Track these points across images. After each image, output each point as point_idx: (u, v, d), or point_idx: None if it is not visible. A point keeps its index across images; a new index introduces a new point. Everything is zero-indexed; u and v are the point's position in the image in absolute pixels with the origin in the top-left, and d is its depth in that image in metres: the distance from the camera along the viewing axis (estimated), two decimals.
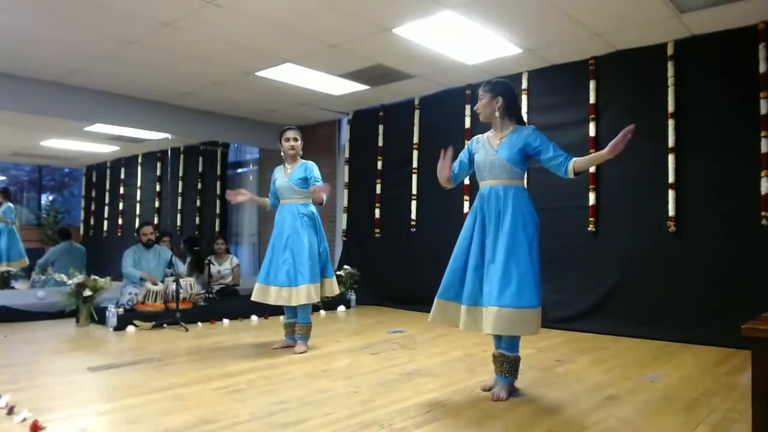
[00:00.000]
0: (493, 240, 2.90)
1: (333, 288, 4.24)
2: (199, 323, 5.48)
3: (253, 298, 4.13)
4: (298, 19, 4.38)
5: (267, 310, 5.47)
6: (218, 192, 8.75)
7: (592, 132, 5.12)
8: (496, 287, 2.79)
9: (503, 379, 2.98)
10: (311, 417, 2.62)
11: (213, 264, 7.05)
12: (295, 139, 4.20)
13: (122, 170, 10.39)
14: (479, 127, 5.89)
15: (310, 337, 4.24)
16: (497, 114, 3.01)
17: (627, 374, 3.50)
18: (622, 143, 2.66)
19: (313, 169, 4.19)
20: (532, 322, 2.81)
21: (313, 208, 4.22)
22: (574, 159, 2.88)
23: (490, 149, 3.02)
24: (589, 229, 5.13)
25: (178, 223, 9.14)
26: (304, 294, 3.97)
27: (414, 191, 6.59)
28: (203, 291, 6.45)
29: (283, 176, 4.21)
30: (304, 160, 4.25)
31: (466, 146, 3.18)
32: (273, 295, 4.03)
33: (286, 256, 4.03)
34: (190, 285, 6.00)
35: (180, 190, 9.23)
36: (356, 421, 2.57)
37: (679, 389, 3.15)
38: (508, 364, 2.96)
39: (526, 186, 3.09)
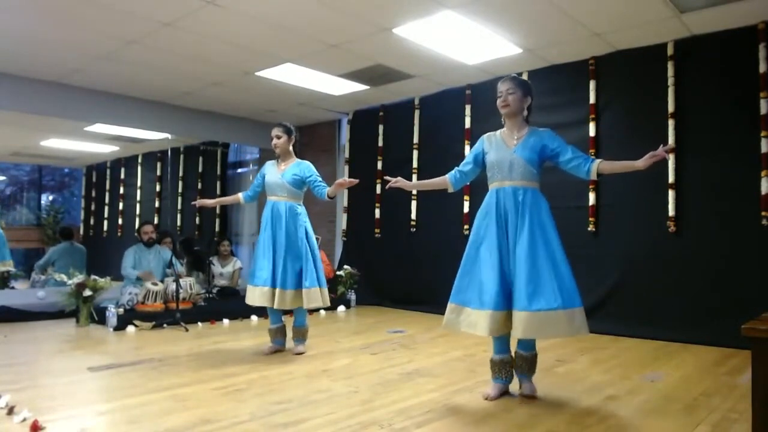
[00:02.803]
0: (514, 244, 2.83)
1: (324, 298, 3.98)
2: (199, 323, 5.48)
3: (274, 305, 3.90)
4: (298, 19, 4.38)
5: (267, 310, 5.46)
6: (218, 192, 8.73)
7: (592, 132, 5.12)
8: (523, 292, 2.73)
9: (525, 376, 2.99)
10: (311, 417, 2.62)
11: (214, 264, 7.05)
12: (278, 137, 4.07)
13: (122, 170, 10.39)
14: (479, 127, 5.89)
15: (307, 338, 4.19)
16: (524, 112, 2.98)
17: (627, 374, 3.50)
18: (658, 159, 2.68)
19: (311, 169, 4.07)
20: (558, 323, 2.71)
21: (304, 210, 4.09)
22: (600, 161, 2.85)
23: (506, 148, 2.94)
24: (589, 229, 5.13)
25: (178, 223, 9.13)
26: (318, 297, 3.91)
27: (414, 191, 6.59)
28: (203, 291, 6.45)
29: (275, 173, 4.07)
30: (299, 159, 4.14)
31: (477, 144, 3.08)
32: (289, 299, 3.88)
33: (292, 257, 3.92)
34: (190, 285, 6.00)
35: (180, 190, 9.23)
36: (356, 421, 2.57)
37: (679, 389, 3.15)
38: (527, 363, 2.97)
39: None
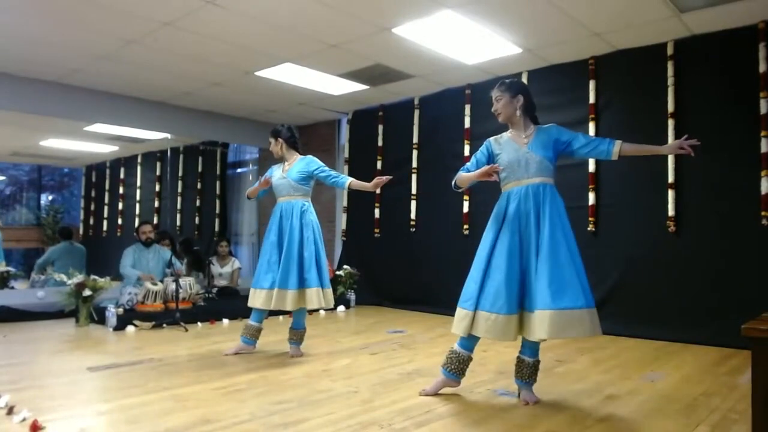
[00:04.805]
0: (536, 243, 2.77)
1: (328, 299, 3.92)
2: (199, 323, 5.48)
3: (268, 306, 3.85)
4: (298, 19, 4.38)
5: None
6: (218, 192, 8.74)
7: (591, 132, 5.12)
8: (546, 291, 2.66)
9: (527, 384, 2.93)
10: (311, 417, 2.62)
11: (213, 264, 7.05)
12: (269, 144, 4.11)
13: (122, 170, 10.38)
14: (479, 127, 5.90)
15: (304, 341, 4.13)
16: (518, 113, 2.93)
17: (627, 374, 3.50)
18: (684, 149, 2.70)
19: (316, 162, 4.02)
20: (581, 322, 2.66)
21: (312, 208, 4.07)
22: (621, 142, 2.83)
23: (519, 147, 2.90)
24: (589, 229, 5.13)
25: (178, 223, 9.13)
26: (315, 298, 3.83)
27: (413, 191, 6.59)
28: (203, 291, 6.45)
29: (280, 174, 4.03)
30: (301, 156, 4.09)
31: (484, 147, 3.01)
32: (290, 300, 3.80)
33: (296, 258, 3.85)
34: (189, 285, 6.00)
35: (180, 190, 9.23)
36: (356, 421, 2.57)
37: (679, 389, 3.15)
38: (530, 370, 2.91)
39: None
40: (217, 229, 8.65)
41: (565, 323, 2.64)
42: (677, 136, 4.68)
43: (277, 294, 3.81)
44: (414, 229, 6.59)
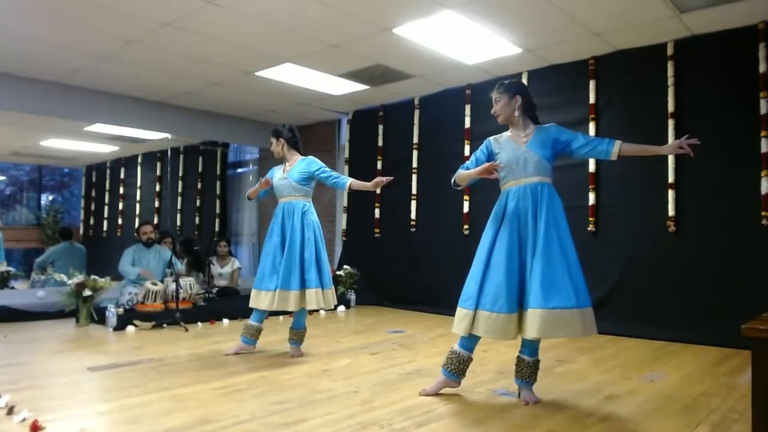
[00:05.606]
0: (533, 242, 2.77)
1: (328, 300, 3.92)
2: (199, 323, 5.48)
3: (272, 307, 3.84)
4: (298, 19, 4.38)
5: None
6: (218, 192, 8.75)
7: (592, 132, 5.12)
8: (539, 290, 2.66)
9: (527, 383, 2.92)
10: (311, 417, 2.62)
11: (213, 264, 7.05)
12: (270, 144, 4.11)
13: (122, 170, 10.40)
14: (479, 127, 5.91)
15: (304, 341, 4.12)
16: (517, 113, 2.93)
17: (627, 374, 3.50)
18: (684, 149, 2.69)
19: (317, 162, 4.01)
20: (573, 322, 2.66)
21: (313, 209, 4.06)
22: (620, 142, 2.82)
23: (518, 146, 2.90)
24: (589, 229, 5.13)
25: (178, 223, 9.14)
26: (314, 299, 3.82)
27: (414, 191, 6.59)
28: (203, 291, 6.45)
29: (281, 175, 4.03)
30: (303, 156, 4.09)
31: (484, 146, 3.00)
32: (293, 301, 3.80)
33: (297, 259, 3.84)
34: (189, 285, 6.00)
35: (180, 190, 9.24)
36: (356, 421, 2.57)
37: (679, 389, 3.15)
38: (530, 369, 2.91)
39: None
40: (217, 229, 8.66)
41: (556, 323, 2.65)
42: (677, 136, 4.67)
43: (279, 295, 3.81)
44: (414, 229, 6.59)
